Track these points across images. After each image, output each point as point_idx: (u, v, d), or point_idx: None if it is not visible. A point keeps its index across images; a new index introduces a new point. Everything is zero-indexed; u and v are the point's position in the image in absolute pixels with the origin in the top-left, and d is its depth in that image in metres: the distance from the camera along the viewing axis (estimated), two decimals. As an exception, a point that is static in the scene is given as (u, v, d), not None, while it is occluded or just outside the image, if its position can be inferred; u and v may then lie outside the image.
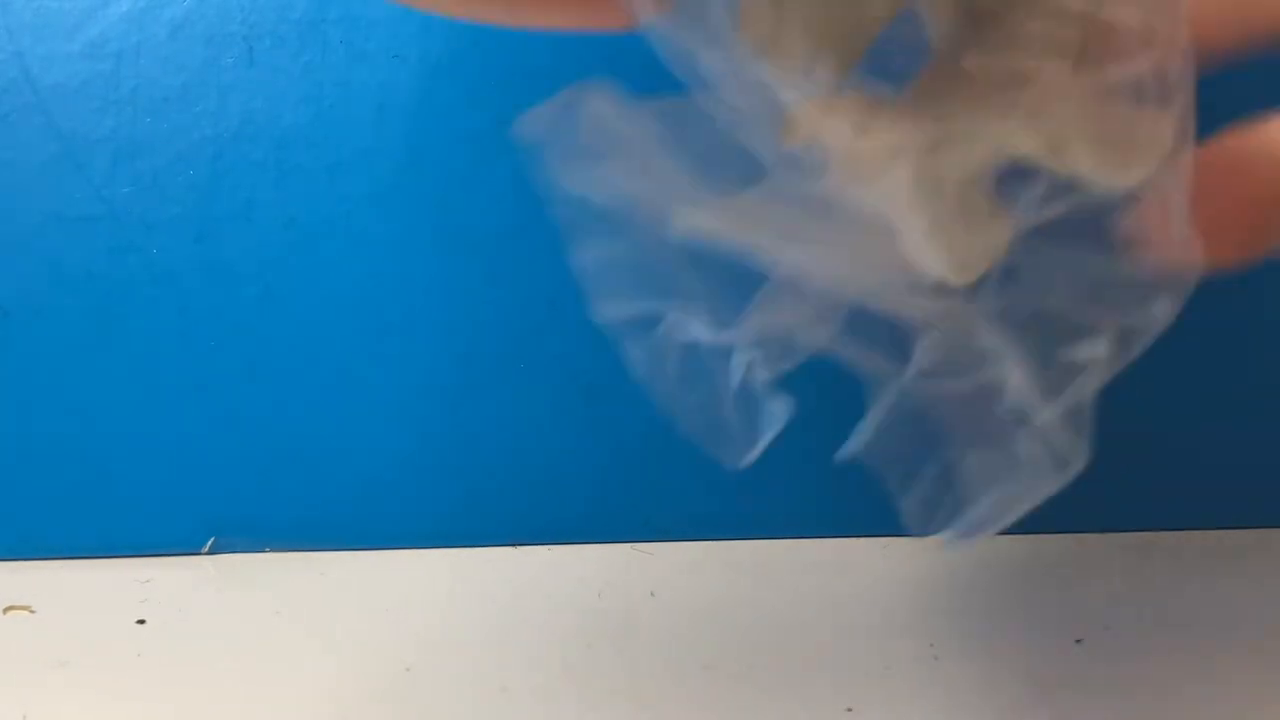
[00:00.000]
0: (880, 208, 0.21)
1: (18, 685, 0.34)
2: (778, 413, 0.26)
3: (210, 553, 0.40)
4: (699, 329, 0.23)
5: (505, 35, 0.39)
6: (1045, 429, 0.23)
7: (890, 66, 0.22)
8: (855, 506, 0.41)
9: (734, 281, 0.25)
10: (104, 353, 0.39)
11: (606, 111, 0.23)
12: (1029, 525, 0.41)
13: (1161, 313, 0.23)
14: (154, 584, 0.39)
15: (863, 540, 0.41)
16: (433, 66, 0.39)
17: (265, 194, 0.39)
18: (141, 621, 0.37)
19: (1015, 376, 0.23)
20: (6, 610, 0.37)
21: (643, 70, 0.39)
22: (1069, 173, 0.21)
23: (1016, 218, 0.22)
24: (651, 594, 0.38)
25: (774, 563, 0.40)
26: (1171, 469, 0.41)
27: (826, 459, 0.41)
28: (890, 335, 0.25)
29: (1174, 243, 0.23)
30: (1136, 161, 0.21)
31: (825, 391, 0.41)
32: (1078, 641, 0.35)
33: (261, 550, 0.40)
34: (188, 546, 0.40)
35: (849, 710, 0.32)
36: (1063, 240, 0.22)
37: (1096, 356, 0.23)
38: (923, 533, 0.25)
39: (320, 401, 0.40)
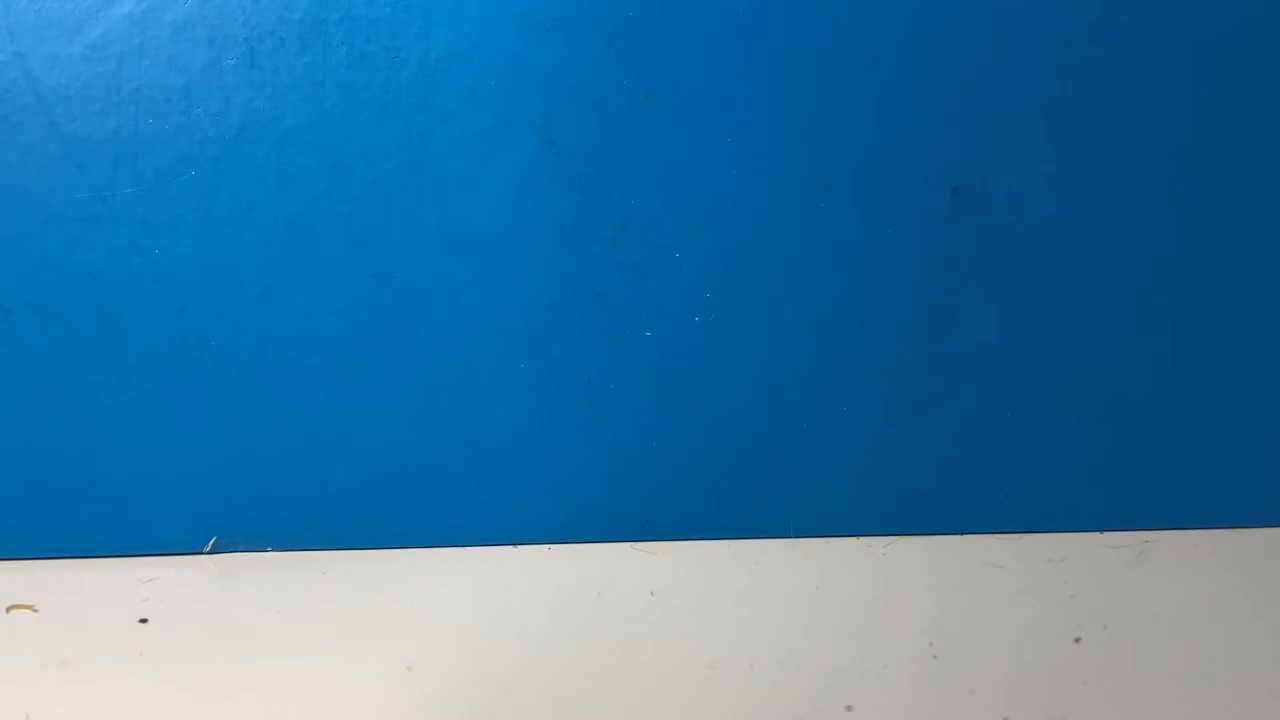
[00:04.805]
0: None
1: (21, 684, 0.34)
2: None
3: (212, 552, 0.40)
4: None
5: (505, 35, 0.39)
6: None
7: None
8: (855, 506, 0.41)
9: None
10: (104, 353, 0.39)
11: None
12: (1029, 525, 0.41)
13: None
14: (156, 583, 0.39)
15: (863, 540, 0.41)
16: (433, 66, 0.39)
17: (266, 194, 0.39)
18: (144, 620, 0.37)
19: None
20: (10, 609, 0.37)
21: (641, 70, 0.40)
22: None
23: None
24: (651, 594, 0.38)
25: (774, 563, 0.40)
26: (1171, 469, 0.41)
27: (826, 459, 0.41)
28: None
29: None
30: None
31: (825, 392, 0.41)
32: (1077, 641, 0.35)
33: (263, 550, 0.40)
34: (190, 546, 0.40)
35: (849, 709, 0.32)
36: None
37: None
38: None
39: (321, 402, 0.40)
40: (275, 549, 0.40)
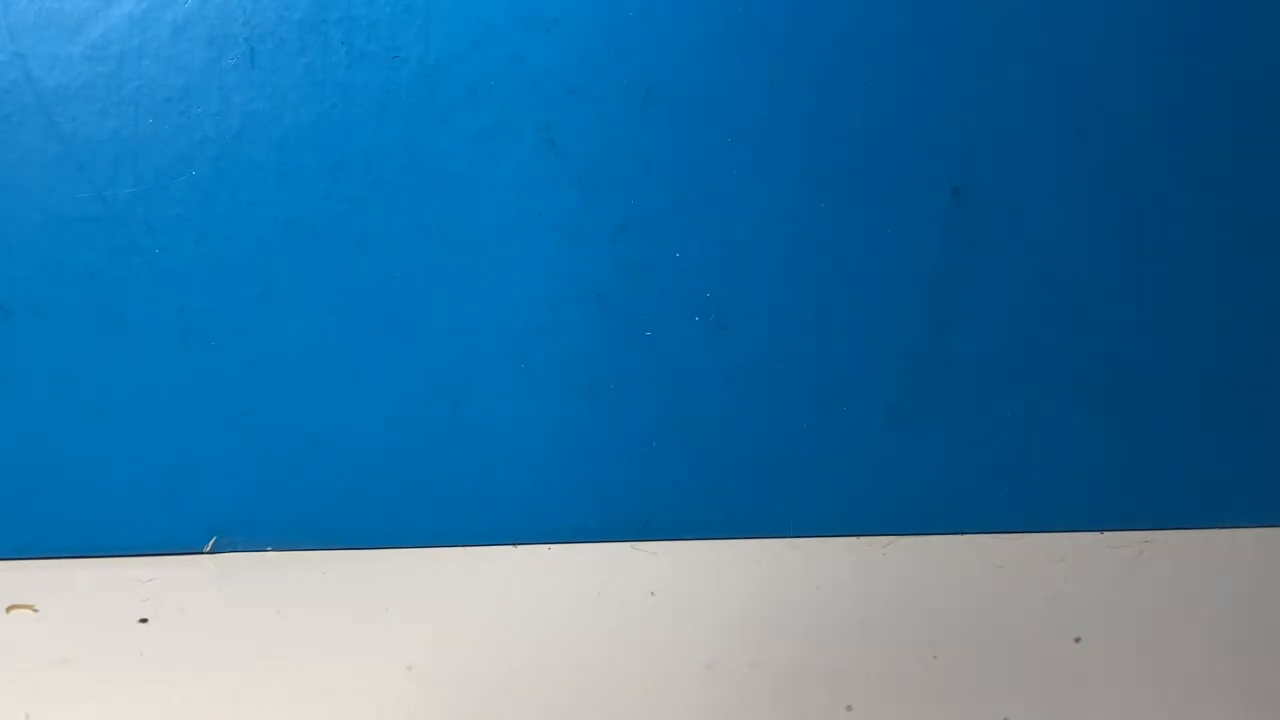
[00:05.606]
0: None
1: (21, 683, 0.34)
2: None
3: (212, 552, 0.40)
4: None
5: (505, 35, 0.39)
6: None
7: None
8: (855, 506, 0.41)
9: None
10: (104, 353, 0.39)
11: None
12: (1029, 525, 0.41)
13: None
14: (156, 583, 0.39)
15: (863, 540, 0.41)
16: (433, 66, 0.39)
17: (266, 194, 0.39)
18: (144, 620, 0.37)
19: None
20: (10, 609, 0.37)
21: (641, 70, 0.40)
22: None
23: None
24: (651, 594, 0.38)
25: (774, 563, 0.40)
26: (1171, 469, 0.41)
27: (826, 459, 0.41)
28: None
29: None
30: None
31: (825, 392, 0.41)
32: (1077, 641, 0.35)
33: (263, 550, 0.40)
34: (190, 546, 0.40)
35: (849, 709, 0.32)
36: None
37: None
38: None
39: (320, 402, 0.40)
40: (275, 549, 0.40)
